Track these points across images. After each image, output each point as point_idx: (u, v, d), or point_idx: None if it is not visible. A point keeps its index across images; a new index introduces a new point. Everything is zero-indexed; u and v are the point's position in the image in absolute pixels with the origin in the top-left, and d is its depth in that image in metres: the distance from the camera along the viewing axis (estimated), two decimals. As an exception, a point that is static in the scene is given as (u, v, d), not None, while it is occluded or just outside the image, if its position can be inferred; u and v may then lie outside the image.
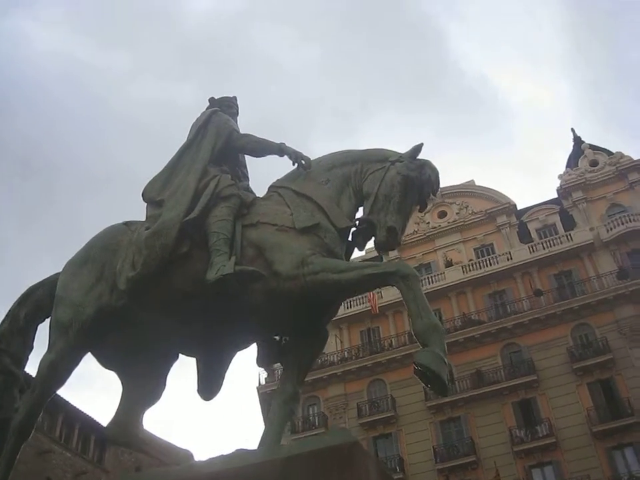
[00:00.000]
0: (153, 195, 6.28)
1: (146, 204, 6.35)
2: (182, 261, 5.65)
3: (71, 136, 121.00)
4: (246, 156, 6.85)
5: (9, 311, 6.48)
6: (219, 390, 5.96)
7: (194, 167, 6.25)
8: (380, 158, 6.03)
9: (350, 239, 5.82)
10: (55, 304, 6.09)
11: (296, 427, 41.94)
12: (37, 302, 6.38)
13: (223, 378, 6.02)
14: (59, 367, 5.84)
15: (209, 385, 5.92)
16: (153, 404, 6.07)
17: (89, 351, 6.01)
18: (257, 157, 6.68)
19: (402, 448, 40.82)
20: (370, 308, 44.72)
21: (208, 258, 5.50)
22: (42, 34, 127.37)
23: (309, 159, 6.24)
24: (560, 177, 48.42)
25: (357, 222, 5.77)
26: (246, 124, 7.06)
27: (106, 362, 6.17)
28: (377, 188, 5.75)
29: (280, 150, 6.36)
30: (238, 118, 7.11)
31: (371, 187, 5.82)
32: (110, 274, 5.87)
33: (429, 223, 49.33)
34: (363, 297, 45.78)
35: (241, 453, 4.04)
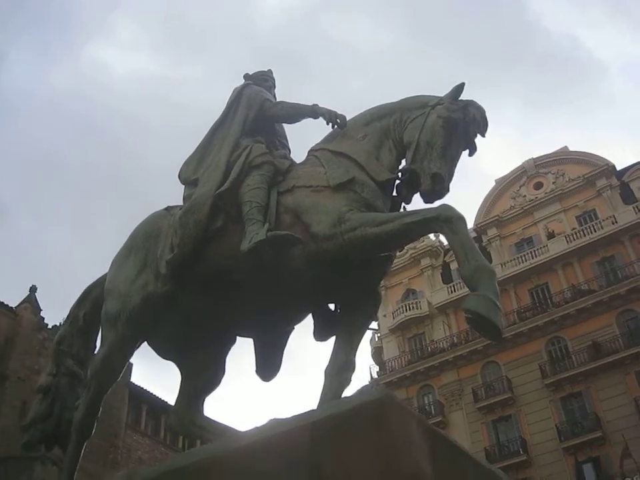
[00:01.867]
0: (188, 175, 6.18)
1: (183, 186, 6.26)
2: (218, 237, 5.51)
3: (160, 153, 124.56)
4: (287, 126, 6.63)
5: (69, 312, 6.65)
6: (278, 370, 5.84)
7: (226, 141, 6.09)
8: (419, 104, 5.65)
9: (395, 193, 5.52)
10: (105, 298, 6.09)
11: (412, 418, 41.50)
12: (94, 301, 6.43)
13: (281, 357, 5.87)
14: (111, 360, 5.82)
15: (267, 365, 5.81)
16: (212, 390, 6.00)
17: (140, 341, 5.98)
18: (292, 122, 6.45)
19: (523, 429, 39.67)
20: (474, 290, 43.85)
21: (243, 230, 5.32)
22: (120, 58, 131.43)
23: (344, 116, 5.95)
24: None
25: (400, 173, 5.45)
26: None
27: (162, 352, 6.15)
28: (417, 135, 5.39)
29: (313, 111, 6.08)
30: (275, 91, 6.91)
31: (411, 135, 5.45)
32: (153, 261, 5.82)
33: (525, 196, 47.83)
34: (466, 280, 45.06)
35: (272, 423, 3.87)
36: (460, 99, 5.56)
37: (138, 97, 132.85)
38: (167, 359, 6.20)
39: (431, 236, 50.20)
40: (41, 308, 41.70)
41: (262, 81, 6.81)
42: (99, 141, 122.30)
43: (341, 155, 5.57)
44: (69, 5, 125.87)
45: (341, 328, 5.38)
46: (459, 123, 5.40)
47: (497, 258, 45.45)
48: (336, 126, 5.92)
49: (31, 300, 39.65)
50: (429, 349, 45.15)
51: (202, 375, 5.92)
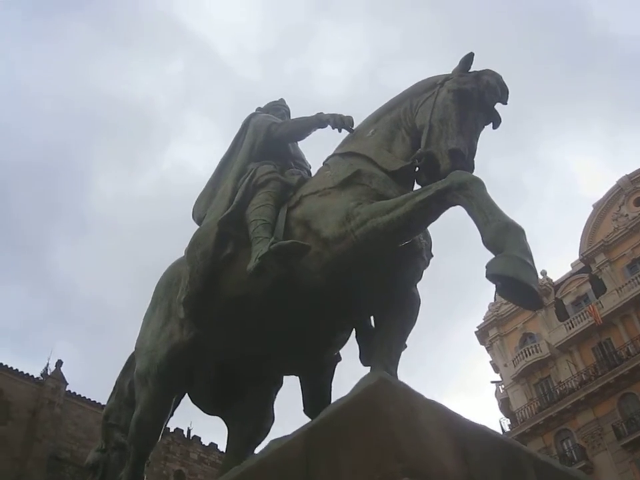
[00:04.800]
0: (200, 213, 5.83)
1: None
2: (229, 266, 5.06)
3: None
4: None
5: (115, 383, 6.37)
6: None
7: (232, 169, 5.74)
8: (428, 86, 5.14)
9: (417, 184, 4.93)
10: (135, 359, 5.77)
11: (554, 467, 39.02)
12: None
13: (330, 392, 5.29)
14: (146, 420, 5.47)
15: (315, 404, 5.15)
16: (260, 441, 5.46)
17: (175, 396, 5.60)
18: (302, 138, 6.07)
19: (677, 461, 36.59)
20: (593, 322, 41.74)
21: None
22: (199, 156, 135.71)
23: (350, 117, 5.54)
24: None
25: (415, 160, 4.83)
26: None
27: (205, 407, 5.74)
28: (429, 116, 4.84)
29: (318, 120, 5.72)
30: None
31: (423, 118, 4.93)
32: (176, 309, 5.43)
33: (627, 215, 45.51)
34: (582, 313, 43.01)
35: (270, 443, 3.36)
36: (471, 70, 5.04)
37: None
38: (212, 415, 5.77)
39: (539, 274, 48.44)
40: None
41: (274, 110, 6.50)
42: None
43: (348, 155, 5.13)
44: (145, 112, 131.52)
45: (376, 340, 4.76)
46: (472, 93, 4.86)
47: (610, 284, 43.22)
48: (345, 130, 5.52)
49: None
50: (558, 392, 42.74)
51: (247, 424, 5.44)
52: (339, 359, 5.46)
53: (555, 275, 48.86)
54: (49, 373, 40.16)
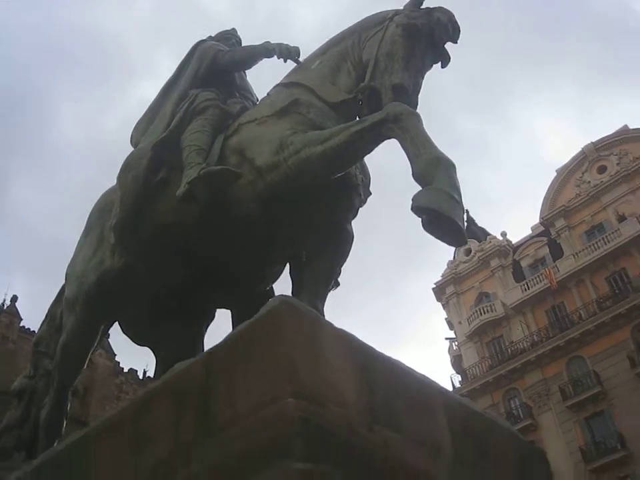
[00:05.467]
0: (138, 138, 5.67)
1: None
2: (161, 191, 4.94)
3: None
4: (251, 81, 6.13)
5: (47, 311, 6.27)
6: None
7: (173, 95, 5.58)
8: (378, 20, 5.00)
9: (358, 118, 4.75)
10: (65, 285, 5.66)
11: (500, 424, 39.93)
12: None
13: None
14: (72, 347, 5.37)
15: None
16: None
17: (103, 324, 5.52)
18: (248, 67, 5.95)
19: (619, 423, 37.51)
20: (549, 285, 42.37)
21: None
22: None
23: (297, 48, 5.45)
24: None
25: (357, 93, 4.70)
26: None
27: (135, 337, 5.67)
28: (376, 50, 4.71)
29: (265, 49, 5.61)
30: None
31: (369, 52, 4.79)
32: (107, 235, 5.31)
33: (589, 182, 45.92)
34: (539, 276, 43.59)
35: (176, 365, 3.36)
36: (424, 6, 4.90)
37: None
38: (141, 345, 5.70)
39: (498, 235, 48.94)
40: (115, 353, 42.14)
41: (224, 40, 6.29)
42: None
43: (291, 85, 5.00)
44: (114, 48, 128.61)
45: (304, 274, 4.74)
46: (421, 29, 4.72)
47: (568, 249, 43.80)
48: (291, 61, 5.41)
49: (104, 346, 40.06)
50: (509, 351, 43.51)
51: (178, 358, 5.38)
52: (271, 293, 5.39)
53: (515, 237, 49.45)
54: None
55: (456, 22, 4.86)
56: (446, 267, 49.83)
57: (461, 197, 3.83)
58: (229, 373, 2.74)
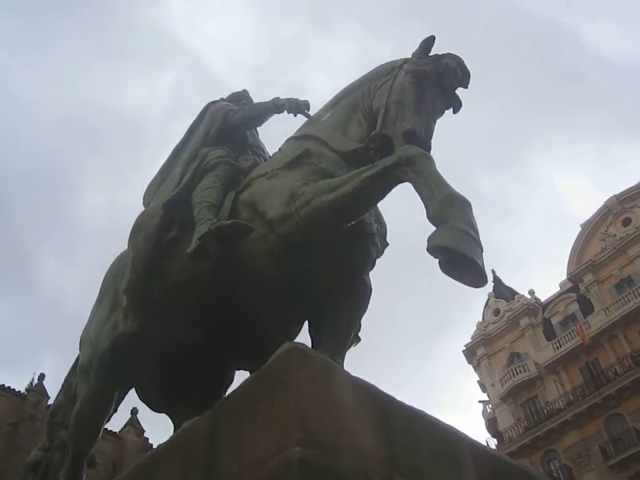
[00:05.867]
0: (149, 198, 5.64)
1: None
2: (173, 250, 4.84)
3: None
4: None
5: (64, 380, 6.12)
6: None
7: (184, 155, 5.55)
8: (387, 70, 4.97)
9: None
10: (79, 352, 5.54)
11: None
12: None
13: None
14: (86, 415, 5.21)
15: None
16: None
17: (118, 391, 5.35)
18: (259, 124, 5.94)
19: (665, 482, 36.21)
20: (581, 341, 41.57)
21: None
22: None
23: (307, 102, 5.46)
24: None
25: (368, 142, 4.62)
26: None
27: (152, 403, 5.48)
28: (386, 98, 4.66)
29: (275, 105, 5.61)
30: None
31: (380, 100, 4.74)
32: (120, 299, 5.19)
33: (614, 235, 45.45)
34: (570, 333, 42.83)
35: (184, 423, 3.18)
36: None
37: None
38: (159, 412, 5.52)
39: (526, 294, 48.29)
40: (144, 429, 41.57)
41: (236, 100, 6.32)
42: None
43: (302, 138, 4.95)
44: (136, 123, 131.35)
45: (322, 331, 4.54)
46: (430, 75, 4.69)
47: (598, 304, 43.09)
48: (302, 115, 5.41)
49: (133, 422, 39.60)
50: (545, 412, 42.44)
51: None
52: None
53: (543, 295, 48.75)
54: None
55: (465, 67, 4.81)
56: (475, 328, 49.15)
57: (478, 234, 3.69)
58: (236, 426, 2.58)
